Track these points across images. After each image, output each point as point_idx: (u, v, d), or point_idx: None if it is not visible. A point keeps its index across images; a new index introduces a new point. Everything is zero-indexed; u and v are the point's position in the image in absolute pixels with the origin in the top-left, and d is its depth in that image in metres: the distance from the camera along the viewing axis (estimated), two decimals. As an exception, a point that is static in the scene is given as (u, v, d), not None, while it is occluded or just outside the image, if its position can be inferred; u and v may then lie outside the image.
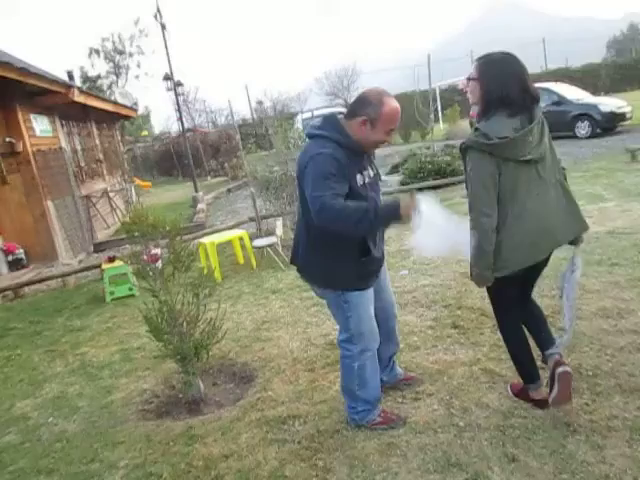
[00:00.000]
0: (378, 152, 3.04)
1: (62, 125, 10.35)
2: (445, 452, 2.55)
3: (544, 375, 2.81)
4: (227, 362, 3.99)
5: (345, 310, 2.68)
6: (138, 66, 36.51)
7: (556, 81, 17.17)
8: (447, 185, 9.61)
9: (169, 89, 16.55)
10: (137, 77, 36.70)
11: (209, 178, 21.12)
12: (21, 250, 8.12)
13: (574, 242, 2.66)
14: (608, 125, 14.01)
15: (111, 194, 12.64)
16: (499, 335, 3.57)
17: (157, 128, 40.38)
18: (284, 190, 7.04)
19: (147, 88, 48.83)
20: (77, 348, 4.85)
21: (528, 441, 2.53)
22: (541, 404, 2.75)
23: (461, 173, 9.24)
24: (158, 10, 14.50)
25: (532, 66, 26.43)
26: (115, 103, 14.43)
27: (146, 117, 40.55)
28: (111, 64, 36.24)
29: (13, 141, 7.98)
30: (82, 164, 11.36)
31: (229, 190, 16.13)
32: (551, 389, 2.63)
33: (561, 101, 14.40)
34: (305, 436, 2.85)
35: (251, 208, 7.80)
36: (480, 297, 4.27)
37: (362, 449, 2.67)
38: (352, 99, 2.79)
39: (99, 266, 6.83)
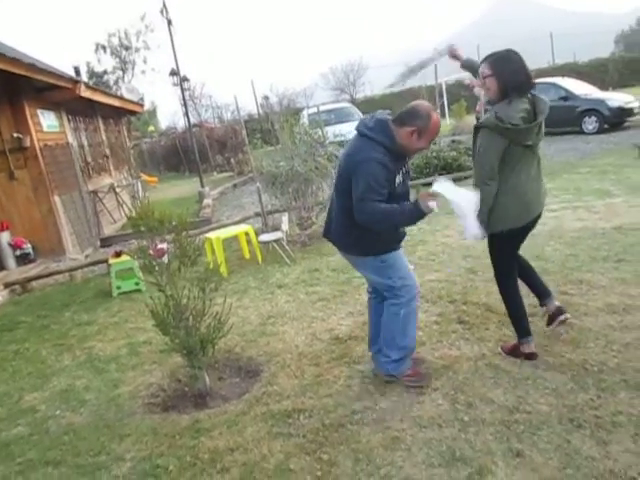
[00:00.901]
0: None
1: (69, 120, 10.37)
2: (450, 446, 2.56)
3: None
4: (233, 356, 4.01)
5: (386, 270, 3.06)
6: (144, 61, 36.59)
7: (563, 76, 17.05)
8: (454, 180, 9.56)
9: (175, 84, 16.53)
10: (143, 72, 36.80)
11: (215, 173, 21.13)
12: (29, 245, 8.16)
13: None
14: (616, 120, 13.91)
15: (118, 189, 12.67)
16: (504, 331, 3.59)
17: (163, 123, 40.44)
18: (290, 185, 7.03)
19: (153, 83, 48.94)
20: (84, 342, 4.89)
21: (533, 436, 2.54)
22: (531, 357, 3.20)
23: (468, 169, 9.22)
24: (164, 5, 14.50)
25: (539, 61, 26.29)
26: (121, 98, 14.42)
27: (152, 112, 40.56)
28: (117, 59, 36.32)
29: (21, 136, 8.01)
30: (89, 159, 11.39)
31: (235, 185, 16.15)
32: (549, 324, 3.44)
33: (568, 96, 14.29)
34: (310, 430, 2.87)
35: (257, 203, 7.81)
36: (485, 293, 4.28)
37: (367, 443, 2.69)
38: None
39: (106, 261, 6.87)
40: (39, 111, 8.73)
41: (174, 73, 16.02)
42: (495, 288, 3.42)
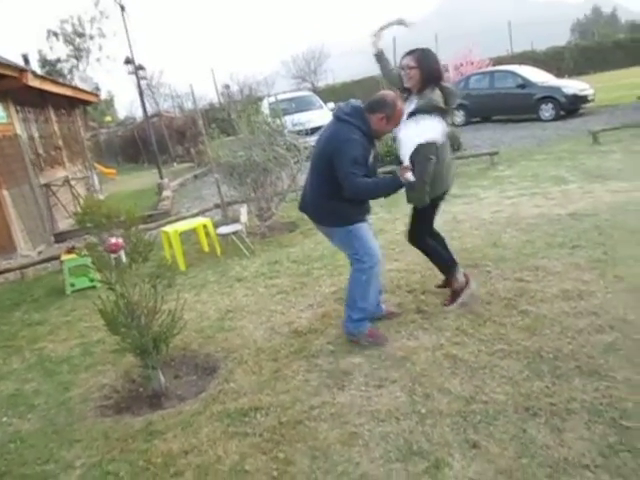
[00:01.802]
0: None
1: (17, 111, 9.93)
2: (407, 440, 2.53)
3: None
4: (189, 353, 3.90)
5: (355, 239, 3.43)
6: (100, 49, 35.36)
7: (521, 64, 17.30)
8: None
9: (131, 73, 16.08)
10: (98, 60, 35.52)
11: (175, 164, 20.68)
12: (-24, 242, 7.81)
13: None
14: (571, 107, 14.18)
15: (73, 182, 12.25)
16: (462, 320, 3.60)
17: (122, 113, 39.28)
18: (248, 176, 6.90)
19: (110, 72, 47.49)
20: (35, 343, 4.69)
21: (489, 426, 2.53)
22: (467, 277, 3.87)
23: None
24: (117, -10, 14.04)
25: (498, 49, 26.62)
26: (74, 88, 13.91)
27: (110, 102, 39.35)
28: (71, 47, 35.01)
29: (-36, 128, 7.63)
30: (40, 151, 10.94)
31: (196, 176, 15.83)
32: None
33: (525, 84, 14.50)
34: (267, 428, 2.81)
35: (217, 195, 7.65)
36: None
37: (324, 440, 2.64)
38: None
39: (58, 257, 6.62)
40: (-17, 102, 8.32)
41: (129, 61, 15.56)
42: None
